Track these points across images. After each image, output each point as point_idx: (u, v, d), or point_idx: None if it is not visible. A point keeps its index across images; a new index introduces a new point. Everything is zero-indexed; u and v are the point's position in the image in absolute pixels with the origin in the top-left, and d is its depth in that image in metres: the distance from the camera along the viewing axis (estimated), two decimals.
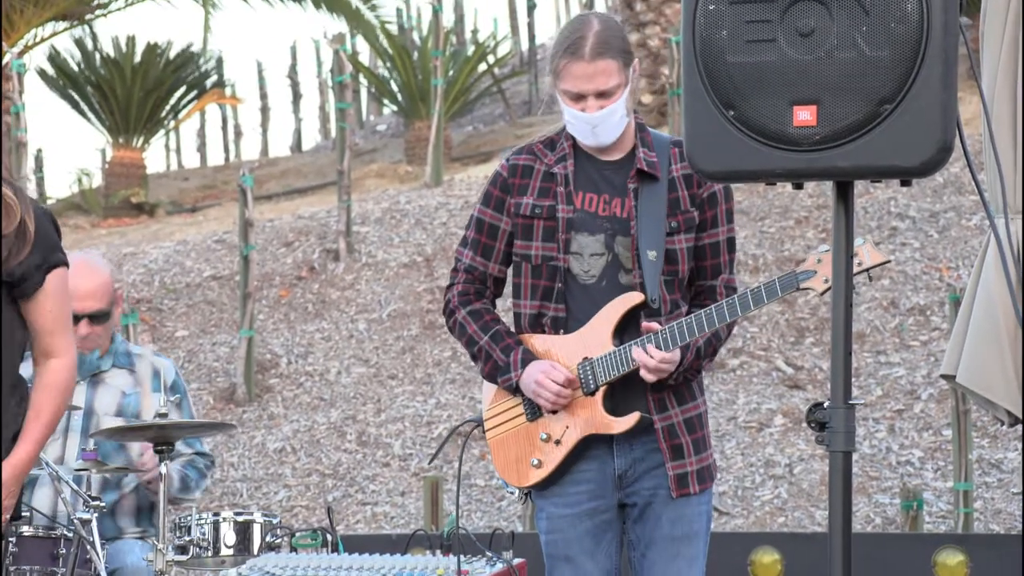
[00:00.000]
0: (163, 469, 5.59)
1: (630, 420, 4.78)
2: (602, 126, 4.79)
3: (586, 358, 4.80)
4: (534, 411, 4.88)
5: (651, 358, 4.68)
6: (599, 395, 4.80)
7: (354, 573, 5.31)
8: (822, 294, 4.69)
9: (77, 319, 5.97)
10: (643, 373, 4.71)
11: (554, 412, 4.84)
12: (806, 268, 4.72)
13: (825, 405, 3.68)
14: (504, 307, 5.03)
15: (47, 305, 4.45)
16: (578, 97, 4.78)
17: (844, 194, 3.70)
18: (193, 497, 6.15)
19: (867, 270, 4.66)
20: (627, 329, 4.79)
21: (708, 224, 4.89)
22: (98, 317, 6.07)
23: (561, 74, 4.78)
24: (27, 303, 4.43)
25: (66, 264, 4.49)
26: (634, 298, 4.79)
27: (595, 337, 4.80)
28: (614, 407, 4.80)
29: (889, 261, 4.75)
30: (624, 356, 4.75)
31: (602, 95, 4.76)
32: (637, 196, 4.83)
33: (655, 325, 4.72)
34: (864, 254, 4.64)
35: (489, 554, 5.31)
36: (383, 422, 11.39)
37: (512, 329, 4.93)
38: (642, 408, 4.79)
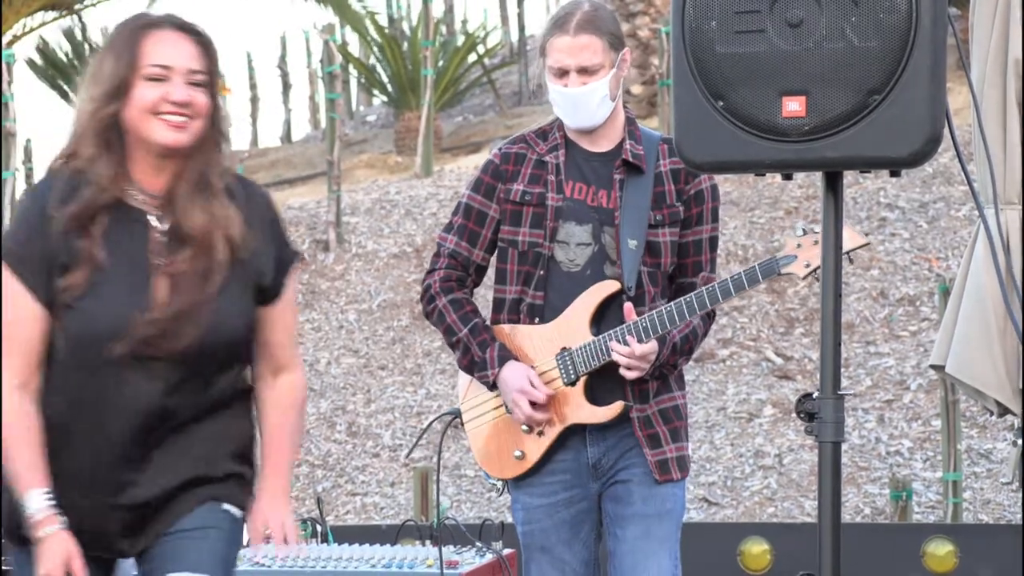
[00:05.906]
0: None
1: (614, 409, 4.76)
2: (583, 103, 4.75)
3: (565, 348, 4.78)
4: None
5: (629, 350, 4.65)
6: (580, 385, 4.78)
7: (344, 563, 5.31)
8: (804, 278, 4.67)
9: None
10: (622, 369, 4.70)
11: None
12: (786, 253, 4.69)
13: (814, 395, 3.69)
14: (482, 293, 4.99)
15: (287, 315, 3.94)
16: (561, 73, 4.76)
17: (833, 185, 3.70)
18: None
19: (847, 253, 4.61)
20: (604, 317, 4.77)
21: (693, 221, 4.86)
22: None
23: (547, 50, 4.79)
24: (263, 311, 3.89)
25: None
26: (610, 286, 4.77)
27: (572, 327, 4.78)
28: (594, 396, 4.78)
29: (868, 243, 4.71)
30: (603, 346, 4.73)
31: (584, 71, 4.74)
32: (622, 187, 4.82)
33: (634, 314, 4.71)
34: (843, 237, 4.62)
35: (479, 544, 5.32)
36: (373, 412, 11.39)
37: (491, 314, 4.91)
38: (623, 397, 4.77)
